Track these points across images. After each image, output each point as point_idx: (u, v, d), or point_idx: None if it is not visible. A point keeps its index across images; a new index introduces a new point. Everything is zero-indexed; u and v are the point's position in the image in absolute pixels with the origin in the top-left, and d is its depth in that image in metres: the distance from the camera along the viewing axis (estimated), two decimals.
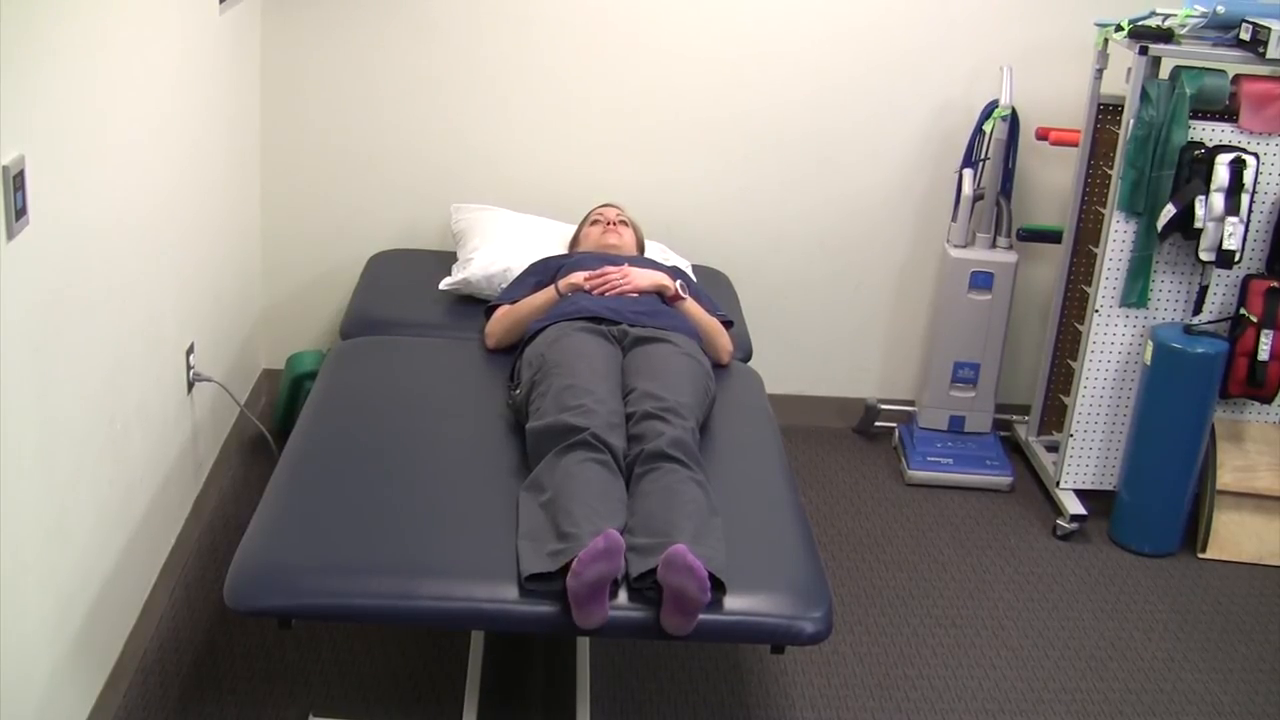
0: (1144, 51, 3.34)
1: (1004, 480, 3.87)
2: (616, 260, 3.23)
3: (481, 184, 3.87)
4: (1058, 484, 3.72)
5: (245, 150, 3.66)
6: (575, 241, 3.55)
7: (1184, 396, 3.45)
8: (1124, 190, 3.43)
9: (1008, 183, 3.85)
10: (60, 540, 2.32)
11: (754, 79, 3.84)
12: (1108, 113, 3.67)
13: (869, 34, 3.81)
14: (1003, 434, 4.05)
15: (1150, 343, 3.47)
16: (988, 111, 3.75)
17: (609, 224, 3.46)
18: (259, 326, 3.94)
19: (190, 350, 3.14)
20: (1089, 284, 3.63)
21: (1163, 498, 3.54)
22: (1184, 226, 3.37)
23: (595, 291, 3.10)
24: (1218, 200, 3.32)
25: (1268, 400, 3.53)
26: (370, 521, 2.35)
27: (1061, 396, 3.87)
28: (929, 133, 3.92)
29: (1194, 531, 3.61)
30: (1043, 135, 3.78)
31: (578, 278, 3.14)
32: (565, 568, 2.17)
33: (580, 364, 2.73)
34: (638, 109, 3.85)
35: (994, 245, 3.86)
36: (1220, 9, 3.32)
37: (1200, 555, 3.58)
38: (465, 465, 2.60)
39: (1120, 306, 3.55)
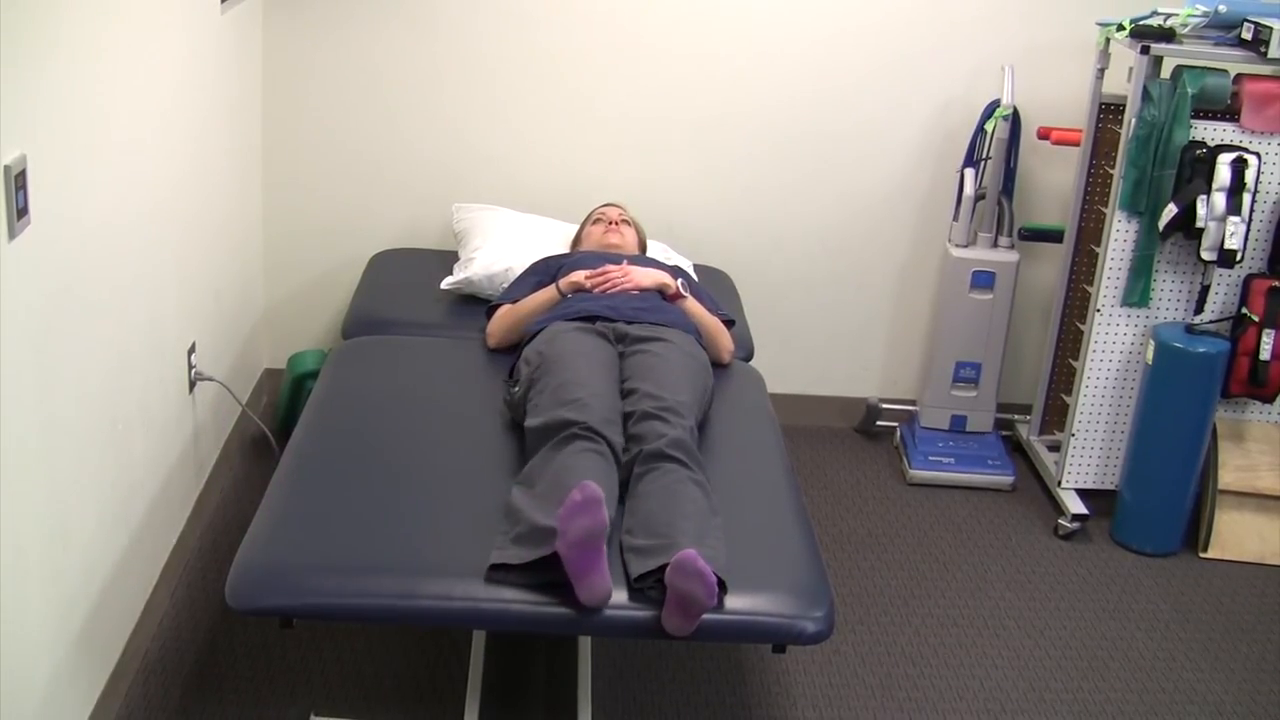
0: (1146, 51, 3.34)
1: (1005, 480, 3.86)
2: (617, 259, 3.23)
3: (483, 183, 3.87)
4: (1059, 483, 3.72)
5: (247, 150, 3.67)
6: (577, 241, 3.55)
7: (1185, 396, 3.45)
8: (1125, 190, 3.43)
9: (1009, 182, 3.85)
10: (62, 540, 2.32)
11: (756, 78, 3.83)
12: (1109, 112, 3.67)
13: (871, 34, 3.81)
14: (1004, 433, 4.05)
15: (1152, 342, 3.47)
16: (989, 111, 3.75)
17: (611, 223, 3.46)
18: (260, 326, 3.94)
19: (192, 350, 3.14)
20: (1090, 283, 3.63)
21: (1164, 497, 3.54)
22: (1185, 226, 3.36)
23: (596, 289, 3.10)
24: (1219, 200, 3.31)
25: (1269, 400, 3.53)
26: (372, 521, 2.35)
27: (1063, 396, 3.87)
28: (930, 132, 3.92)
29: (1195, 531, 3.61)
30: (1044, 135, 3.78)
31: (578, 276, 3.13)
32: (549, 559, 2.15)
33: (578, 360, 2.73)
34: (640, 108, 3.85)
35: (995, 245, 3.86)
36: (1222, 8, 3.32)
37: (1202, 555, 3.58)
38: (466, 465, 2.60)
39: (1122, 306, 3.54)
